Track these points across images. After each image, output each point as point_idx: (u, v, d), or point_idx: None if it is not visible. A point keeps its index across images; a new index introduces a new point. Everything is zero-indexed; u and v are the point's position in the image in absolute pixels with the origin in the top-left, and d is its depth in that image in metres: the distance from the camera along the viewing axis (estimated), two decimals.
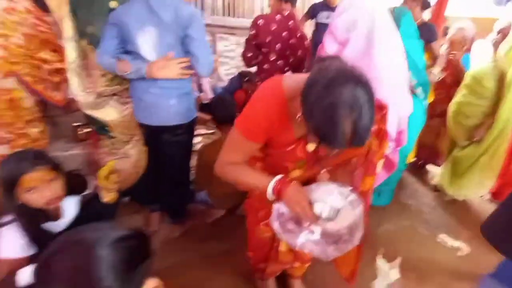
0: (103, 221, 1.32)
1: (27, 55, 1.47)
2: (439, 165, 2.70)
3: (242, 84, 3.34)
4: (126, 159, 1.67)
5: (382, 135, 0.95)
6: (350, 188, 0.91)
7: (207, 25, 3.34)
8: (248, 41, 1.73)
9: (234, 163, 0.94)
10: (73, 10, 1.39)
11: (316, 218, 0.83)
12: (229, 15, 3.53)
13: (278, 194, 0.85)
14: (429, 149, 2.74)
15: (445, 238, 1.89)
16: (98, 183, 1.22)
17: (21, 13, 1.43)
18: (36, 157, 1.05)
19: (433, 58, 2.19)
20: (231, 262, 1.53)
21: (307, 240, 0.85)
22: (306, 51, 1.83)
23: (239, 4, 3.53)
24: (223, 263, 1.54)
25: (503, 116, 1.95)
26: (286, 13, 1.70)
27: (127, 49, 1.36)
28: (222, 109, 1.73)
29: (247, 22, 3.59)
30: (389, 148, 1.25)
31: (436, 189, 2.47)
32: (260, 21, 1.63)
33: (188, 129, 1.51)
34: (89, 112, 1.51)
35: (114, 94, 1.53)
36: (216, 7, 3.40)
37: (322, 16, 3.11)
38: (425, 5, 2.23)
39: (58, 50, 1.53)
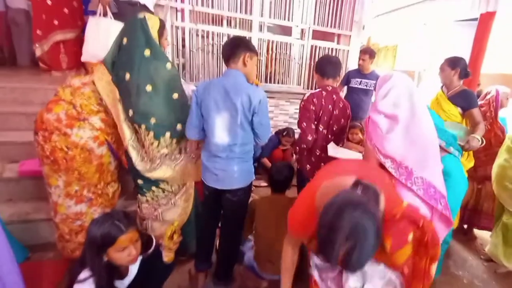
0: (159, 279, 1.42)
1: (115, 126, 1.76)
2: (484, 229, 2.56)
3: (280, 140, 3.62)
4: (176, 209, 1.82)
5: (425, 244, 0.93)
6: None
7: None
8: (307, 112, 1.90)
9: (291, 244, 1.10)
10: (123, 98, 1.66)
11: None
12: (270, 82, 3.97)
13: None
14: (470, 211, 2.61)
15: None
16: (163, 243, 1.34)
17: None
18: (127, 219, 1.16)
19: (474, 125, 2.16)
20: None
21: None
22: (347, 119, 2.01)
23: (278, 72, 3.98)
24: None
25: None
26: (329, 88, 1.93)
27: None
28: (279, 178, 1.92)
29: (285, 87, 4.05)
30: (440, 203, 1.31)
31: (488, 259, 2.30)
32: (315, 99, 1.88)
33: (247, 190, 1.72)
34: (148, 174, 1.69)
35: (165, 155, 1.70)
36: (260, 75, 3.88)
37: (356, 82, 3.45)
38: (465, 74, 2.27)
39: None
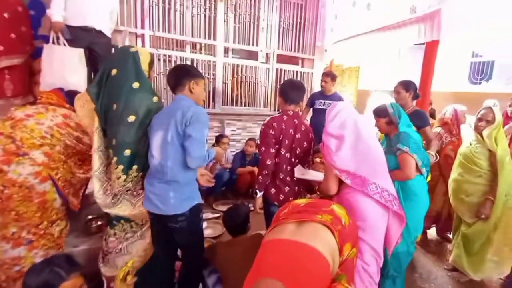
0: None
1: (64, 161, 1.66)
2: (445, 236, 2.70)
3: (244, 152, 3.60)
4: (142, 241, 1.76)
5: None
6: None
7: (217, 114, 3.79)
8: (266, 138, 1.89)
9: None
10: (102, 126, 1.68)
11: None
12: (236, 104, 3.98)
13: None
14: (445, 221, 2.76)
15: None
16: (114, 285, 1.26)
17: (71, 128, 1.72)
18: (69, 264, 1.08)
19: (428, 142, 2.30)
20: None
21: None
22: (310, 142, 2.02)
23: (244, 95, 4.01)
24: None
25: (502, 192, 2.03)
26: (291, 112, 1.95)
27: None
28: (233, 222, 1.95)
29: (252, 109, 4.07)
30: (394, 205, 1.56)
31: (452, 268, 2.38)
32: (275, 123, 1.88)
33: (189, 216, 1.57)
34: (107, 210, 1.66)
35: (128, 190, 1.69)
36: (226, 99, 3.87)
37: (320, 103, 3.54)
38: (416, 96, 2.46)
39: (84, 160, 1.77)
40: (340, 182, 1.61)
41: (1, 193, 1.47)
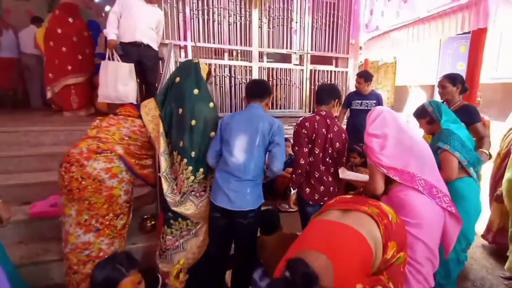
0: None
1: (136, 152, 1.91)
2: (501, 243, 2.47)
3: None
4: (196, 238, 1.89)
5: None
6: None
7: None
8: (299, 137, 1.94)
9: None
10: (166, 131, 1.86)
11: None
12: (272, 107, 4.08)
13: None
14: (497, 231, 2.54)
15: None
16: (169, 282, 1.35)
17: (145, 134, 1.97)
18: (129, 262, 1.18)
19: (479, 139, 2.12)
20: None
21: None
22: (344, 143, 2.03)
23: (279, 97, 4.11)
24: None
25: None
26: (323, 113, 1.98)
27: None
28: (267, 224, 2.07)
29: (287, 112, 4.12)
30: (444, 202, 1.49)
31: (508, 277, 2.20)
32: (307, 123, 1.93)
33: (257, 212, 1.75)
34: (174, 208, 1.80)
35: (192, 191, 1.84)
36: None
37: (357, 104, 3.49)
38: (464, 90, 2.28)
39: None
40: (387, 183, 1.55)
41: (80, 183, 1.67)
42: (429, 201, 1.46)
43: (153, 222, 2.33)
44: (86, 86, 3.29)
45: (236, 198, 1.67)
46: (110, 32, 2.80)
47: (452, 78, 2.27)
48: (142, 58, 2.98)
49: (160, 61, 3.19)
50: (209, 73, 2.02)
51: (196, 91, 1.81)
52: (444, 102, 2.38)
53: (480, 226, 2.76)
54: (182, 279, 1.39)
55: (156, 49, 3.09)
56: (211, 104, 1.84)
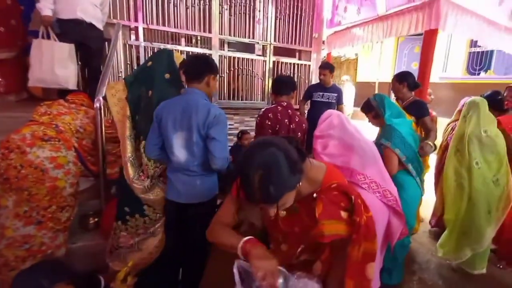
0: None
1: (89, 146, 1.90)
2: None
3: (240, 146, 3.52)
4: (153, 238, 1.77)
5: (358, 228, 0.88)
6: None
7: None
8: (262, 129, 1.91)
9: (220, 223, 1.05)
10: (133, 116, 1.73)
11: None
12: (234, 98, 3.93)
13: (246, 255, 0.88)
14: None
15: None
16: (114, 286, 1.24)
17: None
18: (53, 273, 1.06)
19: (427, 132, 2.30)
20: None
21: None
22: (304, 133, 2.04)
23: (241, 88, 3.96)
24: None
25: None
26: (284, 103, 1.96)
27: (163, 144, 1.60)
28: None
29: (249, 103, 4.02)
30: (384, 196, 1.53)
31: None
32: (270, 114, 1.90)
33: (210, 205, 1.64)
34: (143, 196, 1.69)
35: (160, 176, 1.75)
36: (223, 93, 3.82)
37: (318, 96, 3.50)
38: (414, 86, 2.43)
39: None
40: None
41: (18, 172, 1.55)
42: (370, 195, 1.51)
43: (96, 219, 2.14)
44: (15, 66, 2.83)
45: (186, 192, 1.58)
46: (44, 7, 2.44)
47: (398, 76, 2.46)
48: (84, 38, 2.64)
49: (106, 43, 2.87)
50: (182, 62, 1.86)
51: (167, 75, 1.74)
52: (397, 99, 2.49)
53: (427, 213, 2.98)
54: (130, 283, 1.29)
55: (101, 29, 2.76)
56: (182, 91, 1.71)
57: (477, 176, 1.99)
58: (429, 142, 2.13)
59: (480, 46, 5.85)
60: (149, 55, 3.26)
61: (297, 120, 1.97)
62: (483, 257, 2.17)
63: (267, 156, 0.79)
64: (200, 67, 1.57)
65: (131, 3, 3.08)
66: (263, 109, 1.98)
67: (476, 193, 2.00)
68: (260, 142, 0.86)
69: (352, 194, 0.92)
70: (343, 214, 0.90)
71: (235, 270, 0.86)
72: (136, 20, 3.14)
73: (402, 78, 2.42)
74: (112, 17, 2.96)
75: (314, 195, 0.93)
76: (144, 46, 3.19)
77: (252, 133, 3.01)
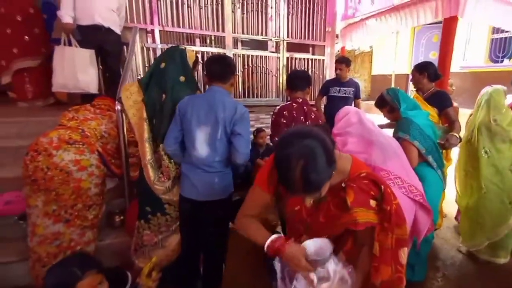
0: None
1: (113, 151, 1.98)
2: None
3: (256, 145, 3.49)
4: (176, 235, 1.81)
5: (389, 216, 0.91)
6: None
7: None
8: (277, 127, 1.90)
9: (247, 216, 1.06)
10: (150, 118, 1.76)
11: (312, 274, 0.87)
12: (249, 96, 3.94)
13: (277, 253, 0.91)
14: None
15: None
16: (140, 281, 1.27)
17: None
18: (83, 263, 1.10)
19: (450, 123, 2.22)
20: None
21: None
22: None
23: (256, 86, 3.97)
24: None
25: None
26: (300, 100, 1.95)
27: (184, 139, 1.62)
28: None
29: (264, 100, 4.02)
30: (410, 192, 1.47)
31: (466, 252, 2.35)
32: (285, 112, 1.89)
33: (227, 202, 1.67)
34: (164, 196, 1.73)
35: (178, 177, 1.76)
36: (238, 91, 3.84)
37: (335, 91, 3.46)
38: (435, 76, 2.33)
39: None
40: None
41: (45, 174, 1.63)
42: (396, 191, 1.43)
43: (122, 217, 2.22)
44: (41, 73, 2.97)
45: (203, 189, 1.59)
46: (65, 14, 2.54)
47: (418, 67, 2.37)
48: (103, 43, 2.73)
49: (124, 47, 2.95)
50: (195, 61, 1.90)
51: (182, 78, 1.75)
52: (417, 90, 2.42)
53: (451, 208, 2.90)
54: (154, 278, 1.31)
55: (119, 33, 2.85)
56: (197, 93, 1.75)
57: (486, 165, 1.98)
58: (455, 134, 2.06)
59: (504, 31, 5.56)
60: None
61: (313, 116, 1.94)
62: (505, 246, 2.13)
63: (308, 146, 0.79)
64: (226, 69, 1.63)
65: (147, 6, 3.15)
66: (278, 107, 1.97)
67: (487, 181, 1.98)
68: (298, 131, 0.85)
69: (381, 183, 0.94)
70: (372, 202, 0.92)
71: (276, 267, 0.91)
72: (152, 23, 3.21)
73: (423, 68, 2.33)
74: (129, 21, 3.04)
75: (343, 184, 0.94)
76: (161, 48, 3.26)
77: (268, 131, 3.03)
